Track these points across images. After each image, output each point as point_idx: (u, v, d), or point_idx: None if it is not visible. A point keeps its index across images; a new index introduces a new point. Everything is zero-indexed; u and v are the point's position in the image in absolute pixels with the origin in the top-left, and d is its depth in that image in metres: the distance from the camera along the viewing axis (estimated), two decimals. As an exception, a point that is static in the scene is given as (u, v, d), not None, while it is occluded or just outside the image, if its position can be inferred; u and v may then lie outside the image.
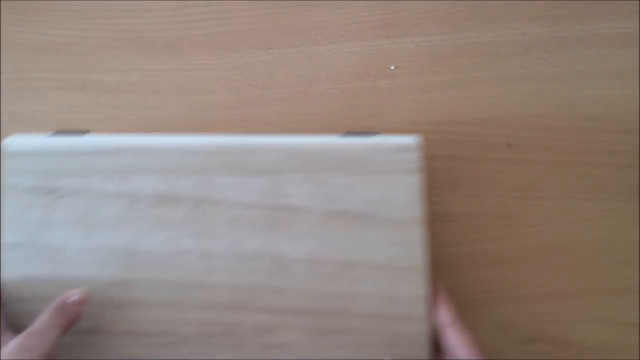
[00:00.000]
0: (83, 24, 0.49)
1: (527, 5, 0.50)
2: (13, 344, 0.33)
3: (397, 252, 0.39)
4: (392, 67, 0.49)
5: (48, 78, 0.49)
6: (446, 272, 0.46)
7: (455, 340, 0.37)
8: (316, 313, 0.39)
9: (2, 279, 0.38)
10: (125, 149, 0.40)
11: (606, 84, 0.50)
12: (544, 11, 0.50)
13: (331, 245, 0.39)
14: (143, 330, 0.38)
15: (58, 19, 0.49)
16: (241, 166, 0.40)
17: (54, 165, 0.39)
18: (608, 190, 0.48)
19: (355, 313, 0.39)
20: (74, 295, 0.37)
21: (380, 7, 0.50)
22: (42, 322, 0.35)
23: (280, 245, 0.39)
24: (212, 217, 0.39)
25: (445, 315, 0.38)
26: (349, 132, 0.43)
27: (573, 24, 0.50)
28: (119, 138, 0.40)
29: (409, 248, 0.39)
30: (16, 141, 0.40)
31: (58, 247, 0.39)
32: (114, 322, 0.38)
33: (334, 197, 0.40)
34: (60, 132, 0.42)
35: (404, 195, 0.40)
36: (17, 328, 0.37)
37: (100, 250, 0.39)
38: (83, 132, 0.42)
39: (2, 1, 0.50)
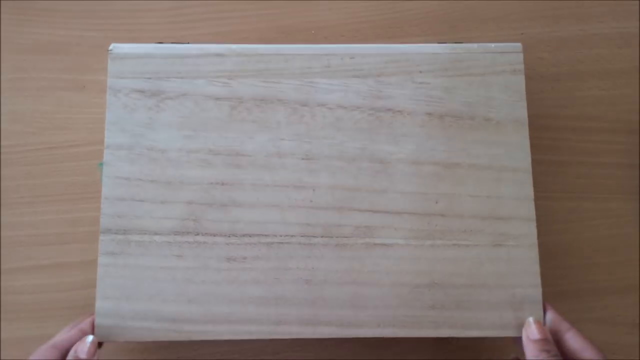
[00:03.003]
0: (83, 24, 0.49)
1: (527, 5, 0.50)
2: None
3: (500, 153, 0.39)
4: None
5: (48, 78, 0.49)
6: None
7: (580, 342, 0.37)
8: (418, 214, 0.39)
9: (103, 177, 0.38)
10: (229, 53, 0.40)
11: (606, 84, 0.50)
12: (544, 11, 0.50)
13: (433, 146, 0.39)
14: (244, 230, 0.38)
15: (58, 19, 0.49)
16: (342, 69, 0.40)
17: (160, 68, 0.40)
18: (608, 190, 0.48)
19: (459, 214, 0.39)
20: (85, 343, 0.36)
21: (380, 7, 0.50)
22: None
23: (382, 146, 0.39)
24: (313, 120, 0.39)
25: (563, 321, 0.38)
26: (443, 41, 0.43)
27: (573, 24, 0.50)
28: (222, 45, 0.41)
29: (512, 148, 0.39)
30: (121, 46, 0.40)
31: (161, 148, 0.39)
32: (216, 222, 0.38)
33: (435, 99, 0.40)
34: (162, 43, 0.42)
35: (507, 95, 0.40)
36: (108, 229, 0.38)
37: (204, 151, 0.39)
38: (184, 43, 0.42)
39: (2, 1, 0.50)
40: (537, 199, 0.48)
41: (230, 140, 0.39)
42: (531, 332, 0.37)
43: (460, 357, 0.46)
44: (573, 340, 0.37)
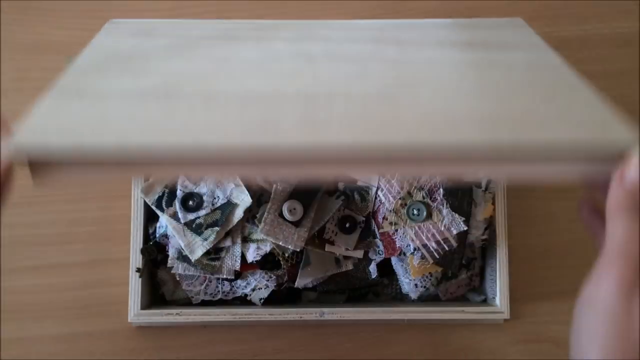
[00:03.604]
0: (83, 24, 0.49)
1: (527, 5, 0.50)
2: None
3: (529, 55, 0.36)
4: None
5: (48, 78, 0.49)
6: (446, 272, 0.46)
7: None
8: (453, 89, 0.32)
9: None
10: (227, 23, 0.41)
11: (606, 84, 0.50)
12: (544, 11, 0.50)
13: (450, 55, 0.36)
14: (230, 96, 0.31)
15: (58, 19, 0.49)
16: (343, 28, 0.40)
17: (156, 27, 0.40)
18: (608, 190, 0.48)
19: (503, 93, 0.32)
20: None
21: (380, 7, 0.50)
22: None
23: (392, 55, 0.36)
24: (314, 48, 0.36)
25: None
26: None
27: (573, 24, 0.50)
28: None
29: (539, 55, 0.36)
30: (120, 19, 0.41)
31: (142, 54, 0.36)
32: (195, 88, 0.32)
33: (442, 39, 0.38)
34: None
35: (520, 35, 0.39)
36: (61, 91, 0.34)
37: (191, 58, 0.36)
38: None
39: (2, 1, 0.50)
40: (535, 199, 0.48)
41: (220, 53, 0.36)
42: (623, 172, 0.27)
43: (460, 357, 0.46)
44: None
